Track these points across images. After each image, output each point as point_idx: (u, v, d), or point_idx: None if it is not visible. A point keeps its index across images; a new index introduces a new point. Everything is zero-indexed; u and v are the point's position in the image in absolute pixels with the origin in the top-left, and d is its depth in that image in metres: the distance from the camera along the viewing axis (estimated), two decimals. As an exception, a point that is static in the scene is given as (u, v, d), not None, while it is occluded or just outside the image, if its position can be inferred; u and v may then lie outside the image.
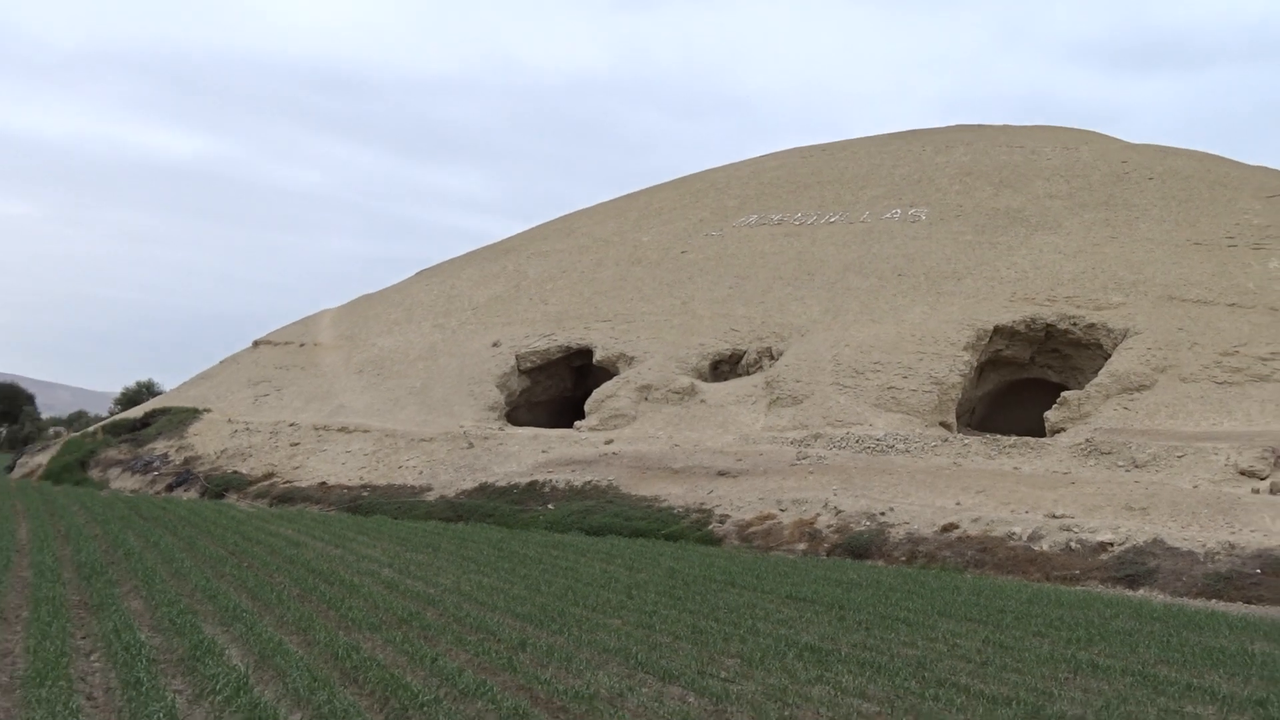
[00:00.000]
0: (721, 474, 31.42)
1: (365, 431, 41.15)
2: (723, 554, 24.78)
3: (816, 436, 34.63)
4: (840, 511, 26.85)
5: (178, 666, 11.02)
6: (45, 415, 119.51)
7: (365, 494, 34.54)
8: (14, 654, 11.29)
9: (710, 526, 27.78)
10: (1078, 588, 21.10)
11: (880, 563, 23.94)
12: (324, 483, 36.44)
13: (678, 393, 40.25)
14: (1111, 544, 22.65)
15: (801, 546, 25.77)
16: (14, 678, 10.31)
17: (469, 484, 33.92)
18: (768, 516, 27.58)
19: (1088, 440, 31.54)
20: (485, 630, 13.44)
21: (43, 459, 50.82)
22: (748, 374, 42.43)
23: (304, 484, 36.80)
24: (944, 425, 36.54)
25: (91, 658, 11.37)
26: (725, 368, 43.49)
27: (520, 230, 70.48)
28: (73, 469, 46.16)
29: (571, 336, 47.00)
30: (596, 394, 42.04)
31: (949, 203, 52.48)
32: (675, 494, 30.36)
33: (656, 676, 11.39)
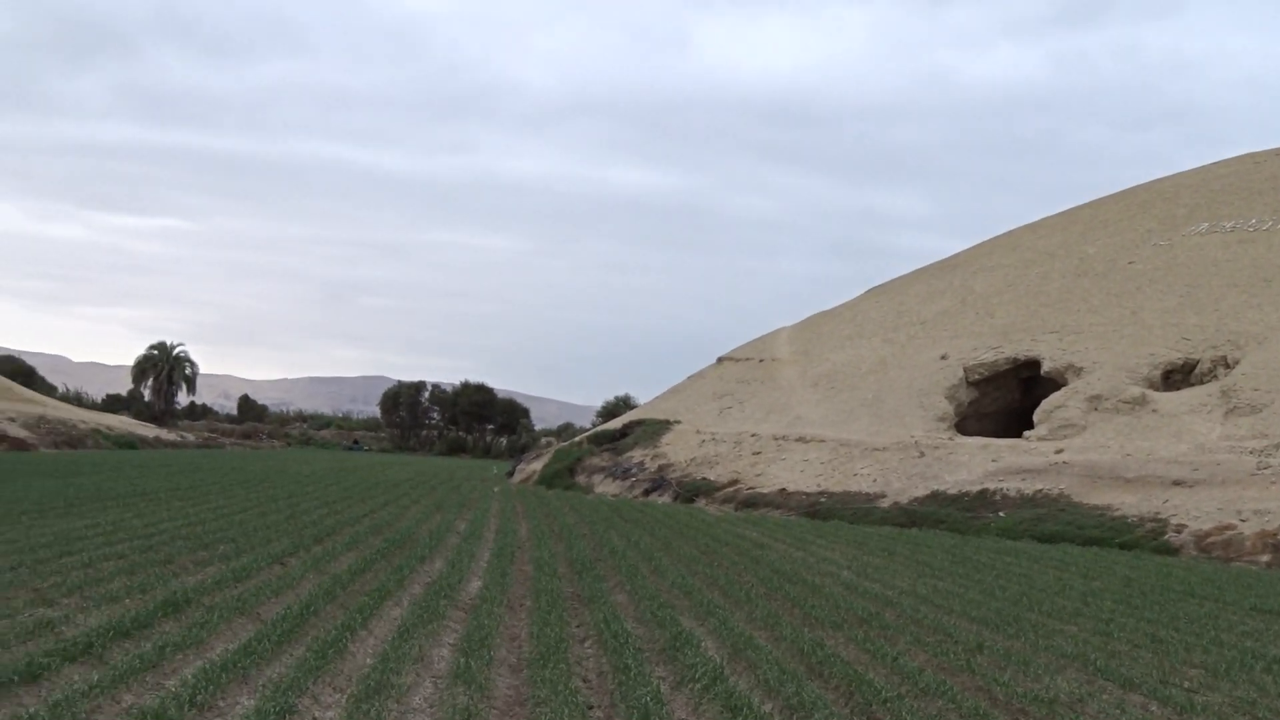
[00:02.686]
0: (1176, 483, 29.57)
1: (821, 441, 41.39)
2: (1179, 564, 23.32)
3: (1278, 446, 32.00)
4: (1306, 523, 24.69)
5: (660, 655, 11.41)
6: (538, 427, 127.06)
7: (822, 500, 34.72)
8: (520, 638, 12.02)
9: (1165, 536, 26.19)
10: None
11: (1353, 576, 21.83)
12: (784, 489, 36.90)
13: (1128, 402, 38.24)
14: None
15: (1265, 558, 23.86)
16: (521, 659, 10.97)
17: (920, 491, 33.48)
18: (1227, 527, 25.72)
19: None
20: (942, 632, 13.20)
21: (537, 466, 53.98)
22: (1200, 383, 39.76)
23: (766, 490, 37.38)
24: None
25: (585, 644, 11.94)
26: (1177, 377, 40.92)
27: (965, 247, 69.10)
28: (562, 475, 48.77)
29: (1018, 348, 45.58)
30: (1045, 404, 40.54)
31: None
32: (1128, 503, 28.84)
33: (1116, 684, 10.82)
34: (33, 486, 29.27)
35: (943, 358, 47.01)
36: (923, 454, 36.96)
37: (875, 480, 35.66)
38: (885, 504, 33.09)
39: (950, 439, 39.78)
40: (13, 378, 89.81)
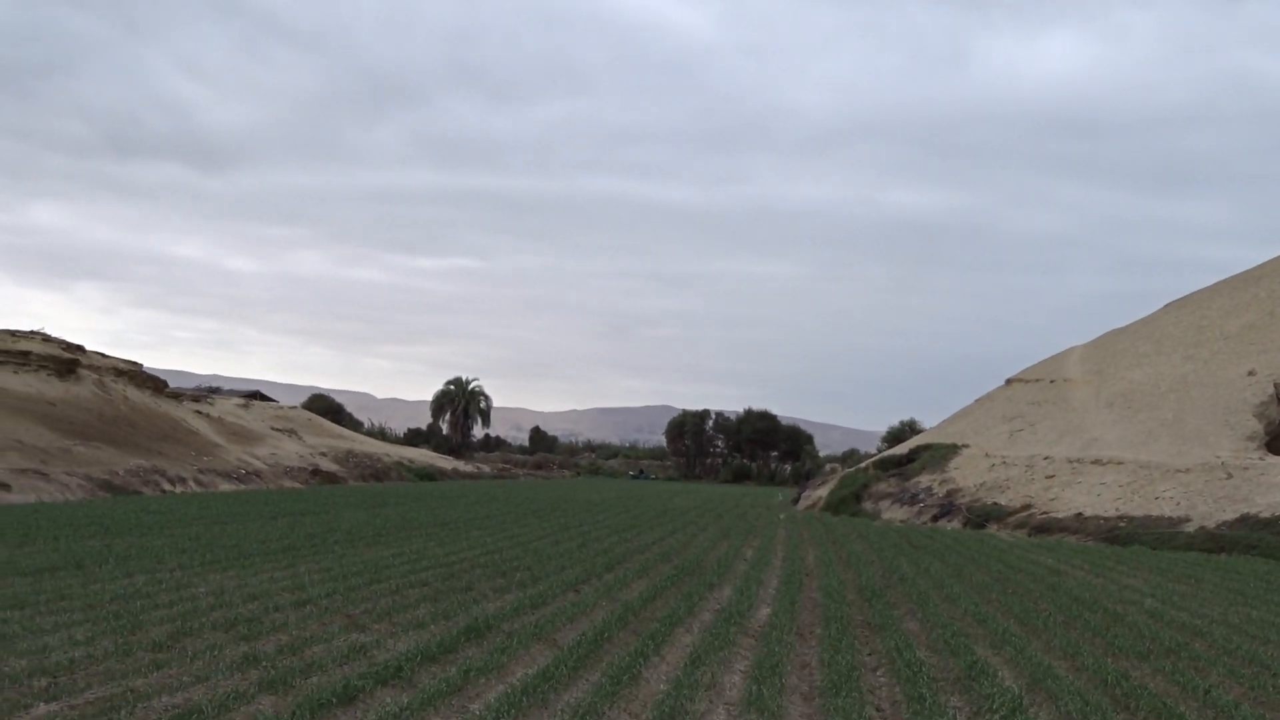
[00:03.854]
0: None
1: (1119, 463, 39.73)
2: None
3: None
4: None
5: (954, 685, 11.15)
6: (822, 453, 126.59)
7: (1121, 524, 33.28)
8: (811, 666, 11.95)
9: None
10: None
11: None
12: (1080, 513, 35.56)
13: None
14: None
15: None
16: (813, 687, 10.91)
17: (1229, 515, 31.68)
18: None
19: None
20: (1259, 664, 12.44)
21: (822, 493, 53.73)
22: None
23: (1060, 515, 36.12)
24: None
25: (877, 673, 11.78)
26: None
27: (1271, 256, 65.22)
28: (848, 501, 48.39)
29: (1335, 361, 42.67)
30: (1367, 420, 37.80)
31: None
32: None
33: None
34: (343, 517, 30.95)
35: (1250, 374, 44.43)
36: (1230, 475, 34.97)
37: (1179, 504, 33.95)
38: (1190, 529, 31.45)
39: (1261, 459, 37.51)
40: (323, 415, 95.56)
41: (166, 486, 43.95)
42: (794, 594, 17.53)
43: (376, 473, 68.70)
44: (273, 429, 71.29)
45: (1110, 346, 58.01)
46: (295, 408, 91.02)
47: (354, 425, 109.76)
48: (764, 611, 15.71)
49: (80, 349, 57.64)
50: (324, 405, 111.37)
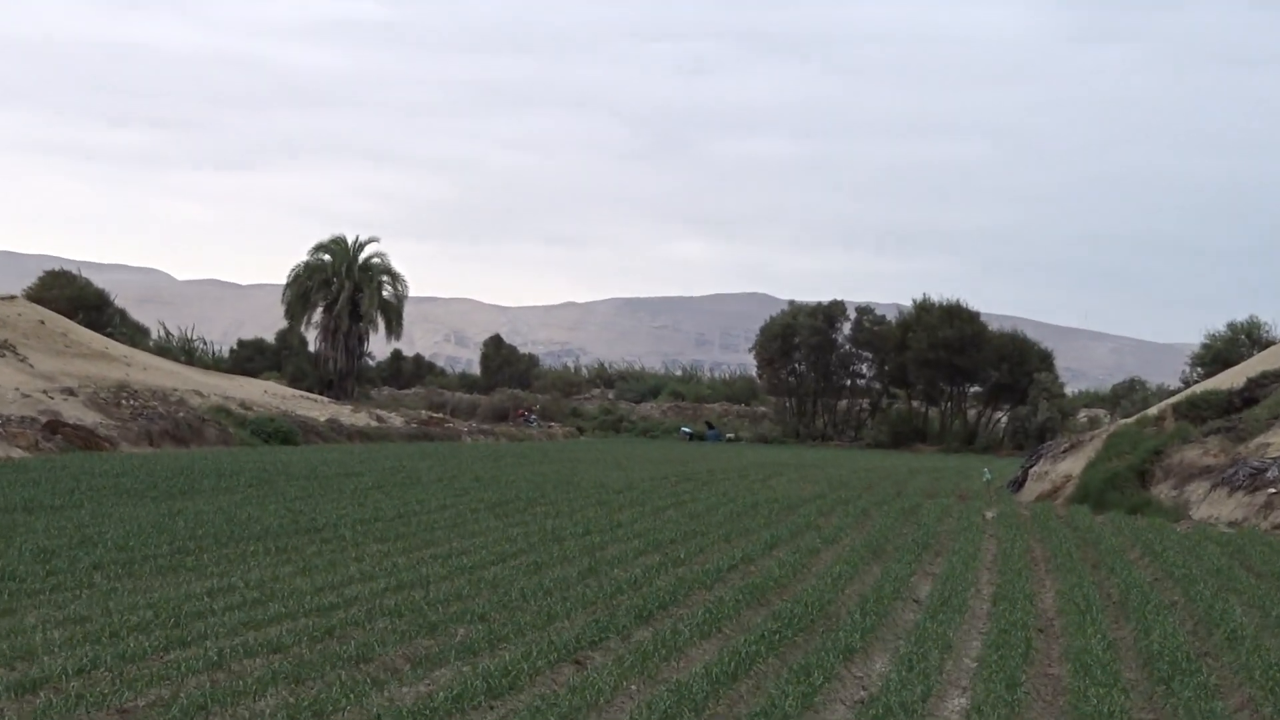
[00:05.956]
0: None
1: None
2: None
3: None
4: None
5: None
6: (1070, 388, 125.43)
7: None
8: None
9: None
10: None
11: None
12: None
13: None
14: None
15: None
16: None
17: None
18: None
19: None
20: None
21: (1070, 467, 53.47)
22: None
23: None
24: None
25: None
26: None
27: None
28: (1123, 483, 48.08)
29: None
30: None
31: None
32: None
33: None
34: (110, 517, 31.04)
35: None
36: None
37: None
38: None
39: None
40: (70, 315, 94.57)
41: None
42: (1014, 668, 17.43)
43: (176, 429, 68.85)
44: (-31, 342, 71.57)
45: None
46: (14, 299, 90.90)
47: (134, 336, 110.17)
48: (955, 703, 15.69)
49: None
50: (71, 295, 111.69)
